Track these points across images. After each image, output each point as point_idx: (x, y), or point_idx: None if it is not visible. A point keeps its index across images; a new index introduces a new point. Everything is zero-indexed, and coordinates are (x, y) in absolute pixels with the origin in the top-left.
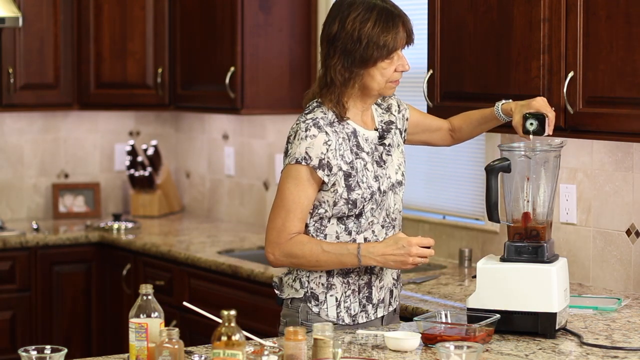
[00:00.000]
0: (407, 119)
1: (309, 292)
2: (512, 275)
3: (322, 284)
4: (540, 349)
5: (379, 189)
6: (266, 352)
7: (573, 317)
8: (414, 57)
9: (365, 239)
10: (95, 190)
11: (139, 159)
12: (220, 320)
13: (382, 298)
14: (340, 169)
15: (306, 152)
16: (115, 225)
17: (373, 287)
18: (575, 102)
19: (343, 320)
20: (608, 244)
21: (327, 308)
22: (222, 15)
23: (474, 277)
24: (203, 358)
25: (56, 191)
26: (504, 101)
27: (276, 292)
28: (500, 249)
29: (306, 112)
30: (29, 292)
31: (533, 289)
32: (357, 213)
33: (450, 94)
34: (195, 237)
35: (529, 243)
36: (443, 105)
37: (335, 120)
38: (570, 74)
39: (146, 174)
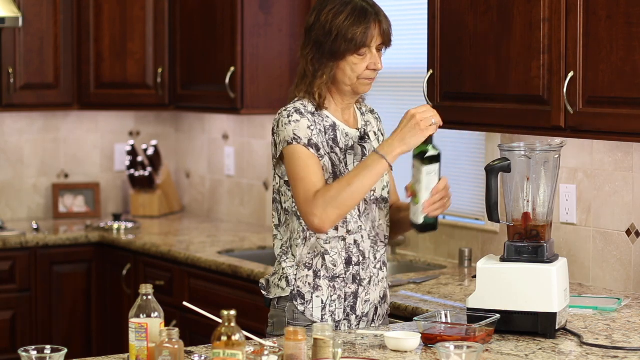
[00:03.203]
0: None
1: (295, 290)
2: (512, 275)
3: (309, 284)
4: (540, 349)
5: None
6: (266, 352)
7: (573, 317)
8: (414, 57)
9: (355, 241)
10: (95, 190)
11: (139, 159)
12: (220, 320)
13: (366, 312)
14: (327, 154)
15: (294, 134)
16: (115, 225)
17: (358, 299)
18: (575, 102)
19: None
20: (608, 244)
21: (312, 308)
22: (222, 15)
23: (474, 277)
24: (203, 358)
25: (56, 191)
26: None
27: (263, 292)
28: (500, 249)
29: (287, 104)
30: (29, 292)
31: (533, 289)
32: None
33: (450, 94)
34: (195, 237)
35: (529, 243)
36: (443, 105)
37: (315, 111)
38: (570, 74)
39: (146, 174)
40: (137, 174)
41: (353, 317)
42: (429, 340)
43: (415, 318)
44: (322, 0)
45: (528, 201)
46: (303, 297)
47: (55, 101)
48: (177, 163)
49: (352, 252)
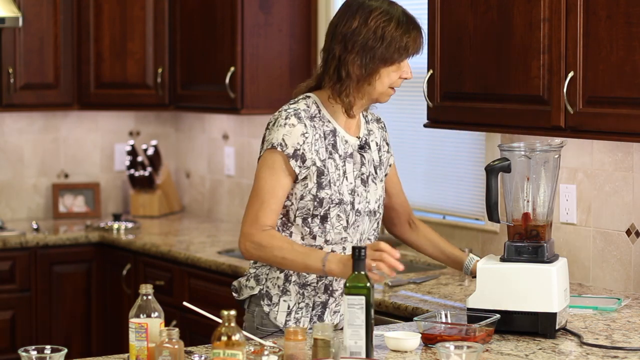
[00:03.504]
0: (389, 165)
1: (264, 289)
2: (512, 275)
3: (278, 286)
4: (540, 349)
5: (352, 202)
6: (266, 352)
7: (573, 317)
8: (414, 57)
9: (333, 252)
10: (95, 190)
11: (139, 159)
12: (220, 320)
13: (335, 322)
14: (314, 164)
15: (283, 139)
16: (115, 225)
17: (327, 309)
18: (575, 102)
19: None
20: (608, 244)
21: (277, 311)
22: (222, 15)
23: (474, 277)
24: (203, 358)
25: (56, 191)
26: (474, 258)
27: (234, 295)
28: (500, 249)
29: (291, 102)
30: (29, 292)
31: (533, 289)
32: (322, 214)
33: (450, 94)
34: (195, 237)
35: (529, 243)
36: (443, 105)
37: (317, 115)
38: (570, 74)
39: (146, 174)
40: (137, 174)
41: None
42: (429, 340)
43: (415, 318)
44: (361, 5)
45: (528, 201)
46: (270, 299)
47: (55, 101)
48: (177, 163)
49: None
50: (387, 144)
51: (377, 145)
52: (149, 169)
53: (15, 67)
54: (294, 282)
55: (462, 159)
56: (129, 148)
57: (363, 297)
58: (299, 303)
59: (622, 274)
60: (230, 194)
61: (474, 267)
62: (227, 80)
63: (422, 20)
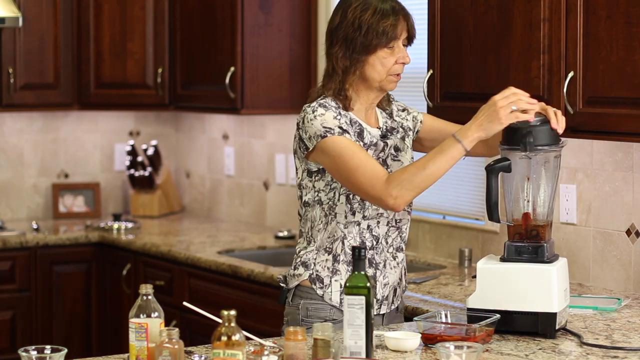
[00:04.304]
0: (420, 121)
1: (315, 274)
2: (512, 275)
3: (328, 268)
4: (540, 349)
5: None
6: (266, 352)
7: (573, 317)
8: (414, 57)
9: (368, 226)
10: (95, 190)
11: (139, 159)
12: (220, 320)
13: (385, 295)
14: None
15: (323, 127)
16: (115, 225)
17: (377, 283)
18: (575, 102)
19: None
20: (608, 244)
21: (331, 292)
22: (222, 15)
23: (474, 277)
24: (203, 358)
25: (56, 191)
26: None
27: (282, 285)
28: (500, 249)
29: (311, 100)
30: (29, 292)
31: (533, 289)
32: None
33: (450, 94)
34: (195, 237)
35: (529, 243)
36: (443, 105)
37: (339, 108)
38: (570, 74)
39: (146, 174)
40: (137, 174)
41: (374, 301)
42: (429, 340)
43: (415, 318)
44: (343, 2)
45: (528, 201)
46: (322, 281)
47: (55, 101)
48: (177, 163)
49: (365, 237)
50: (403, 109)
51: (404, 130)
52: (149, 169)
53: (15, 67)
54: (342, 261)
55: (462, 159)
56: (129, 148)
57: (363, 297)
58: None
59: (622, 274)
60: (230, 194)
61: None
62: (227, 80)
63: (422, 20)
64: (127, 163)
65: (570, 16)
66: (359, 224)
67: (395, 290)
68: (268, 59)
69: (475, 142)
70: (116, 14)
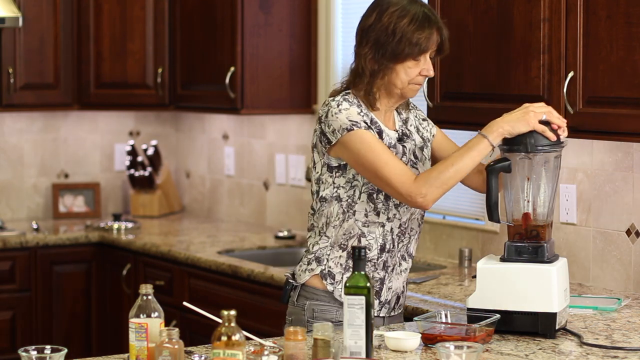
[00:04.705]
0: (433, 135)
1: (327, 269)
2: (512, 275)
3: (341, 264)
4: (540, 349)
5: None
6: (266, 352)
7: (573, 317)
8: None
9: (391, 229)
10: (95, 190)
11: (139, 159)
12: (220, 320)
13: (388, 299)
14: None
15: (349, 120)
16: (115, 225)
17: (384, 286)
18: (575, 102)
19: None
20: (608, 244)
21: (341, 288)
22: (222, 15)
23: (474, 277)
24: (203, 358)
25: (56, 191)
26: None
27: (291, 282)
28: (500, 249)
29: (333, 96)
30: (29, 292)
31: (533, 289)
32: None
33: (450, 94)
34: (195, 237)
35: (529, 243)
36: (443, 105)
37: (361, 105)
38: (570, 74)
39: (146, 174)
40: (137, 174)
41: (376, 303)
42: (429, 340)
43: (415, 318)
44: (381, 2)
45: (528, 201)
46: (333, 277)
47: (55, 101)
48: (177, 163)
49: (387, 239)
50: (424, 119)
51: (415, 128)
52: (149, 169)
53: (15, 67)
54: None
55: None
56: (129, 148)
57: (363, 297)
58: None
59: (622, 274)
60: (230, 194)
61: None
62: (227, 80)
63: None
64: (127, 163)
65: (570, 16)
66: (383, 226)
67: (398, 297)
68: (268, 59)
69: (500, 138)
70: (116, 14)
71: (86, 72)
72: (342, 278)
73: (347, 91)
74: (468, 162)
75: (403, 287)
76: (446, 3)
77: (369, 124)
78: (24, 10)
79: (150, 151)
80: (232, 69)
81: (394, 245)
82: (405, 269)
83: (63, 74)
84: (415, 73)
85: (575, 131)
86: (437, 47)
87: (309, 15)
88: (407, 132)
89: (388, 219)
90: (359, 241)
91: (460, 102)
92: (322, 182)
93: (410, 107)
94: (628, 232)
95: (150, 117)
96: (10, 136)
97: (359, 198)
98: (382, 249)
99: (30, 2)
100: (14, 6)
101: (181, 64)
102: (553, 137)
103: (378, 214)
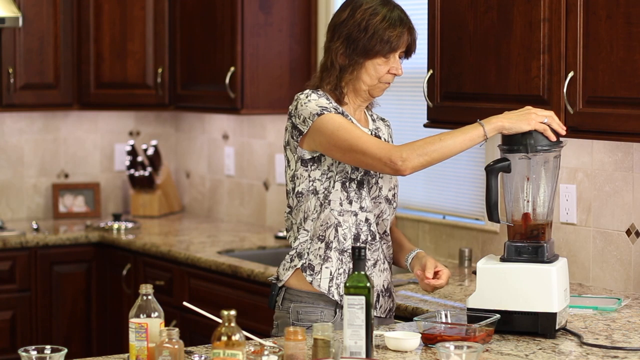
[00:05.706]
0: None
1: (307, 262)
2: (512, 275)
3: (320, 255)
4: (540, 349)
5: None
6: (266, 352)
7: (573, 317)
8: (414, 57)
9: (367, 220)
10: (95, 190)
11: (139, 159)
12: (220, 320)
13: None
14: None
15: (318, 106)
16: (115, 225)
17: None
18: (575, 102)
19: (333, 296)
20: (608, 244)
21: (320, 279)
22: (222, 15)
23: (474, 272)
24: (203, 358)
25: (56, 191)
26: (415, 251)
27: (274, 283)
28: (500, 249)
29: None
30: (29, 292)
31: (533, 289)
32: (358, 179)
33: (450, 94)
34: (195, 237)
35: (529, 243)
36: (443, 105)
37: (332, 102)
38: (570, 74)
39: (146, 174)
40: (137, 174)
41: (374, 301)
42: (429, 340)
43: (415, 318)
44: (354, 1)
45: (528, 201)
46: (313, 269)
47: (55, 101)
48: (177, 163)
49: (361, 229)
50: (382, 119)
51: (382, 132)
52: (149, 169)
53: (15, 67)
54: (334, 248)
55: (462, 159)
56: (129, 148)
57: (363, 297)
58: (339, 269)
59: (622, 274)
60: (230, 194)
61: (412, 262)
62: (227, 80)
63: (422, 20)
64: (127, 163)
65: (570, 16)
66: (355, 215)
67: (378, 296)
68: (268, 59)
69: (497, 132)
70: (116, 14)
71: (86, 72)
72: (320, 269)
73: (317, 88)
74: (457, 143)
75: (384, 287)
76: (446, 3)
77: (341, 114)
78: (24, 10)
79: (150, 151)
80: (232, 69)
81: (375, 239)
82: (387, 269)
83: (63, 74)
84: (383, 71)
85: (575, 131)
86: (406, 47)
87: (309, 15)
88: (379, 136)
89: (361, 207)
90: (336, 230)
91: (460, 102)
92: (297, 178)
93: (387, 124)
94: (628, 232)
95: (150, 117)
96: (10, 136)
97: (333, 187)
98: (356, 239)
99: (30, 2)
100: (14, 6)
101: (181, 64)
102: (553, 137)
103: (350, 203)
